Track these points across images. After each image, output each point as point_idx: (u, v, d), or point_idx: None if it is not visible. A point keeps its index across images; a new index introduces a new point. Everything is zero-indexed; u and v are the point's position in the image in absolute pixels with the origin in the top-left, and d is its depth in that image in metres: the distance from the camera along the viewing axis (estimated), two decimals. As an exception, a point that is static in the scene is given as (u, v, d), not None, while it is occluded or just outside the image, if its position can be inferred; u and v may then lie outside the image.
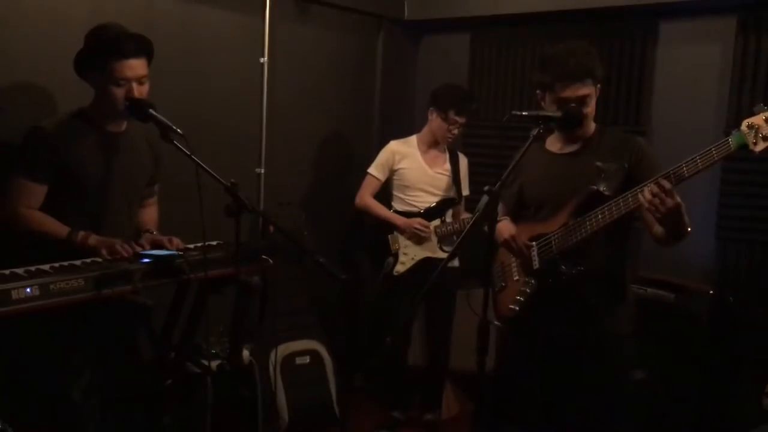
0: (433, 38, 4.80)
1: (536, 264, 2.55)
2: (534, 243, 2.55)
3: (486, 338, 2.38)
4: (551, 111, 2.40)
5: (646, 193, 2.17)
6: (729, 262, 3.66)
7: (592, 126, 2.53)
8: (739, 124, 2.12)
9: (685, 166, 2.15)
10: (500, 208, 2.87)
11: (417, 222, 3.77)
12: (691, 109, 3.76)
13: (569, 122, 2.39)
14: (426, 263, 3.82)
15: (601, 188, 2.37)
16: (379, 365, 4.21)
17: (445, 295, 3.85)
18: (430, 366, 4.06)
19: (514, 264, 2.68)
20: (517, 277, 2.66)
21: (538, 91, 2.52)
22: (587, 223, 2.38)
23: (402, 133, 4.03)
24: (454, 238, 3.86)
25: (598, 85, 2.47)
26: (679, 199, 2.16)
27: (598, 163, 2.40)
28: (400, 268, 3.83)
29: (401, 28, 4.67)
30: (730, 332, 3.36)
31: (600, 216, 2.35)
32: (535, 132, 2.30)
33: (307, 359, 3.83)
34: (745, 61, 3.57)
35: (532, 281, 2.56)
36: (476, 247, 2.39)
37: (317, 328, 3.96)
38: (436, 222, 3.82)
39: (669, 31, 3.84)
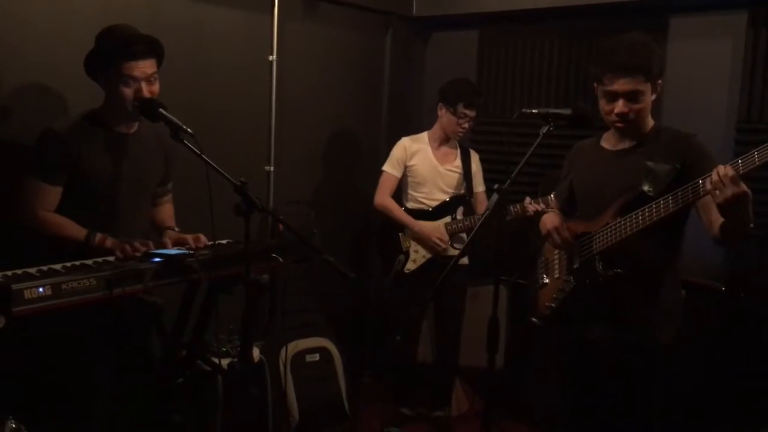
0: (442, 35, 4.79)
1: (576, 262, 2.53)
2: (577, 240, 2.53)
3: (496, 336, 2.38)
4: (562, 109, 2.36)
5: (713, 174, 2.06)
6: (740, 260, 3.64)
7: (648, 123, 2.45)
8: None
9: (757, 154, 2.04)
10: (552, 202, 2.87)
11: (435, 236, 3.76)
12: (702, 104, 3.73)
13: (579, 121, 2.35)
14: (437, 261, 3.81)
15: (646, 188, 2.30)
16: (389, 362, 4.22)
17: (454, 292, 3.85)
18: (440, 363, 4.06)
19: (556, 261, 2.66)
20: (557, 275, 2.63)
21: (594, 83, 2.44)
22: (628, 224, 2.32)
23: (410, 130, 4.02)
24: (464, 235, 3.86)
25: (658, 82, 2.36)
26: (746, 188, 2.06)
27: (649, 163, 2.34)
28: (410, 266, 3.83)
29: (409, 24, 4.66)
30: (741, 329, 3.34)
31: (641, 217, 2.29)
32: (544, 130, 2.28)
33: (317, 357, 3.83)
34: (756, 56, 3.54)
35: (572, 280, 2.54)
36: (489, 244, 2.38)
37: (327, 326, 3.97)
38: (447, 219, 3.82)
39: (679, 27, 3.82)
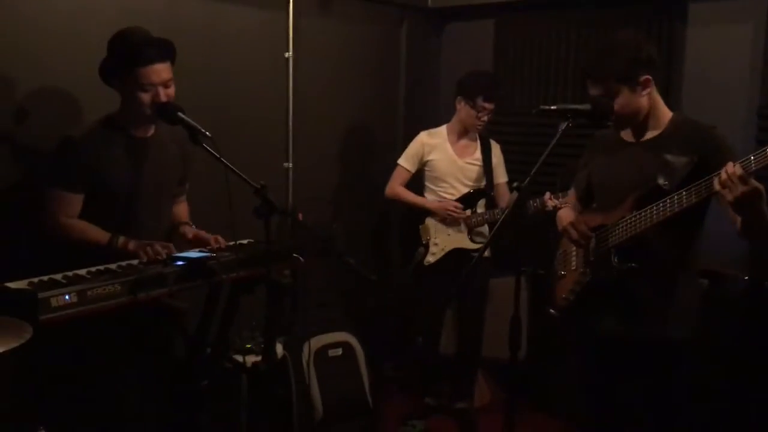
0: (457, 25, 4.76)
1: (592, 256, 2.52)
2: (593, 234, 2.52)
3: (518, 333, 2.38)
4: (580, 104, 2.34)
5: (722, 174, 2.04)
6: (764, 248, 3.59)
7: (660, 116, 2.42)
8: None
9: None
10: (570, 192, 2.87)
11: (451, 204, 3.76)
12: (722, 90, 3.68)
13: (598, 116, 2.33)
14: (456, 254, 3.82)
15: (661, 182, 2.28)
16: (411, 355, 4.24)
17: (476, 284, 3.85)
18: (462, 355, 4.07)
19: (574, 253, 2.65)
20: (575, 267, 2.63)
21: None
22: (644, 217, 2.31)
23: (427, 123, 4.01)
24: (485, 228, 3.86)
25: (641, 79, 2.33)
26: (757, 184, 2.02)
27: (667, 156, 2.31)
28: (430, 259, 3.84)
29: (424, 16, 4.64)
30: (766, 318, 3.31)
31: (657, 211, 2.26)
32: (563, 127, 2.25)
33: (339, 351, 3.85)
34: (777, 41, 3.49)
35: (588, 272, 2.54)
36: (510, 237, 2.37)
37: (348, 319, 3.99)
38: (467, 213, 3.81)
39: (698, 12, 3.76)
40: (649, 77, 2.36)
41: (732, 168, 2.02)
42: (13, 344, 1.71)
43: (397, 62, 4.56)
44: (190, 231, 2.70)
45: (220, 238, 2.67)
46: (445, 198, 3.83)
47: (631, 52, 2.35)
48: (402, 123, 4.58)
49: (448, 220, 3.79)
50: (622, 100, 2.35)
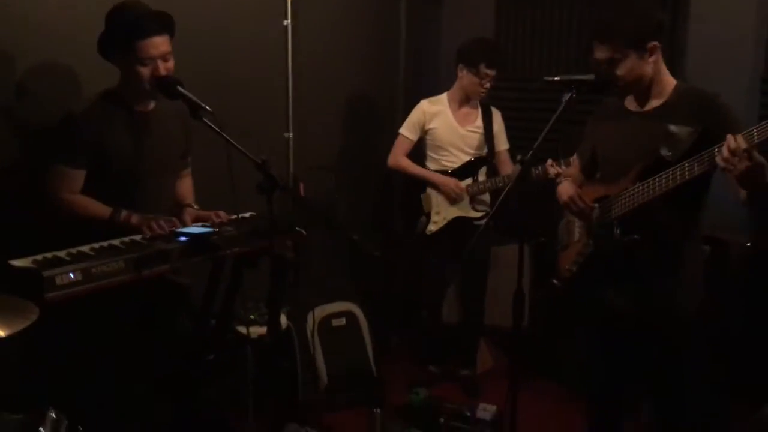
0: (458, -9, 4.70)
1: (595, 227, 2.51)
2: (596, 205, 2.51)
3: (521, 306, 2.39)
4: (584, 74, 2.31)
5: (724, 150, 2.01)
6: (766, 213, 3.59)
7: (663, 84, 2.39)
8: None
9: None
10: (574, 161, 2.85)
11: (453, 182, 3.75)
12: (727, 55, 3.64)
13: (602, 86, 2.31)
14: (458, 222, 3.82)
15: (664, 153, 2.26)
16: (415, 323, 4.27)
17: (478, 253, 3.86)
18: (465, 322, 4.10)
19: (577, 224, 2.65)
20: (578, 238, 2.63)
21: None
22: (647, 189, 2.29)
23: (428, 90, 3.97)
24: (486, 197, 3.86)
25: (649, 45, 2.30)
26: (761, 159, 2.01)
27: (671, 126, 2.28)
28: (432, 228, 3.84)
29: (425, -20, 4.58)
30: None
31: (660, 183, 2.25)
32: (567, 97, 2.24)
33: (343, 321, 3.88)
34: (783, 4, 3.45)
35: (591, 243, 2.53)
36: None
37: (351, 289, 4.01)
38: (468, 181, 3.81)
39: (703, -25, 3.71)
40: (657, 44, 2.33)
41: (734, 142, 1.99)
42: (20, 325, 1.71)
43: (397, 29, 4.50)
44: (190, 215, 2.69)
45: (221, 213, 2.66)
46: (447, 166, 3.82)
47: (642, 17, 2.32)
48: (402, 91, 4.54)
49: (449, 197, 3.77)
50: (628, 65, 2.31)
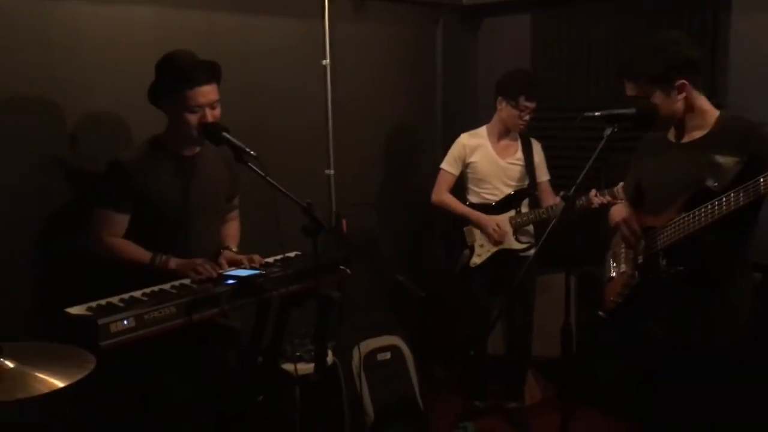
0: (493, 22, 4.72)
1: (640, 258, 2.50)
2: (643, 233, 2.50)
3: (570, 340, 2.38)
4: (625, 109, 2.31)
5: None
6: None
7: (709, 115, 2.38)
8: None
9: None
10: (619, 193, 2.84)
11: (494, 225, 3.74)
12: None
13: (643, 120, 2.30)
14: (502, 254, 3.81)
15: (709, 183, 2.24)
16: (460, 356, 4.24)
17: (524, 283, 3.83)
18: (511, 354, 4.06)
19: (623, 255, 2.63)
20: (624, 269, 2.61)
21: None
22: (693, 220, 2.27)
23: (466, 122, 3.99)
24: (530, 228, 3.85)
25: (677, 83, 2.29)
26: None
27: (716, 156, 2.27)
28: (476, 260, 3.83)
29: (459, 14, 4.62)
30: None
31: (706, 213, 2.23)
32: (608, 132, 2.23)
33: (388, 355, 3.87)
34: (827, 25, 3.39)
35: (636, 275, 2.51)
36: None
37: (395, 322, 4.01)
38: (511, 213, 3.79)
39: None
40: (685, 82, 2.32)
41: None
42: (78, 375, 1.76)
43: (433, 62, 4.54)
44: (226, 258, 2.74)
45: (255, 257, 2.70)
46: (488, 199, 3.82)
47: (666, 55, 2.31)
48: (441, 123, 4.57)
49: (494, 237, 3.76)
50: (657, 101, 2.32)
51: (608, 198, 3.31)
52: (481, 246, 3.82)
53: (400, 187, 4.35)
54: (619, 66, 2.42)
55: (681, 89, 2.32)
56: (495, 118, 3.84)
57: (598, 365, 3.95)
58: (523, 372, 4.08)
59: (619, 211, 2.61)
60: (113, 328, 2.09)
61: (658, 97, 2.32)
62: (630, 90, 2.36)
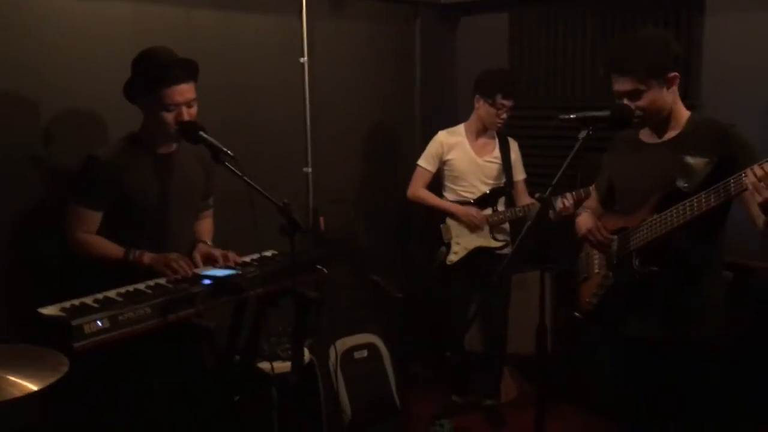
0: (471, 20, 4.72)
1: (614, 259, 2.52)
2: (615, 237, 2.52)
3: (545, 341, 2.40)
4: (600, 111, 2.32)
5: (750, 176, 2.02)
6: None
7: (679, 116, 2.41)
8: None
9: None
10: (592, 194, 2.87)
11: (474, 210, 3.77)
12: (743, 79, 3.63)
13: (618, 122, 2.32)
14: (478, 252, 3.83)
15: (680, 184, 2.27)
16: (437, 353, 4.26)
17: (499, 281, 3.85)
18: (488, 352, 4.09)
19: (596, 256, 2.66)
20: (597, 270, 2.63)
21: None
22: (665, 221, 2.30)
23: (445, 119, 4.00)
24: (506, 226, 3.87)
25: (668, 76, 2.33)
26: None
27: (687, 157, 2.29)
28: (453, 258, 3.85)
29: (437, 12, 4.62)
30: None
31: (678, 214, 2.26)
32: (583, 135, 2.25)
33: (365, 353, 3.89)
34: (798, 28, 3.44)
35: (611, 275, 2.54)
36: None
37: (371, 320, 4.02)
38: (488, 211, 3.82)
39: (716, 0, 3.71)
40: (677, 74, 2.36)
41: (761, 169, 1.99)
42: (51, 378, 1.74)
43: (411, 60, 4.54)
44: (200, 251, 2.72)
45: (230, 254, 2.69)
46: (465, 197, 3.84)
47: (661, 47, 2.35)
48: (419, 122, 4.57)
49: (471, 226, 3.78)
50: (651, 95, 2.34)
51: (570, 201, 3.22)
52: (458, 244, 3.84)
53: (379, 185, 4.35)
54: (611, 61, 2.39)
55: (673, 81, 2.35)
56: (473, 116, 3.86)
57: (575, 364, 3.99)
58: (499, 369, 4.11)
59: (585, 222, 2.62)
60: (87, 329, 2.07)
61: (654, 91, 2.33)
62: (624, 84, 2.34)
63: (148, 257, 2.54)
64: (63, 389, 1.81)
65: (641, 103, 2.34)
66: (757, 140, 2.36)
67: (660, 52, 2.34)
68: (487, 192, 3.82)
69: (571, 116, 2.30)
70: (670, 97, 2.37)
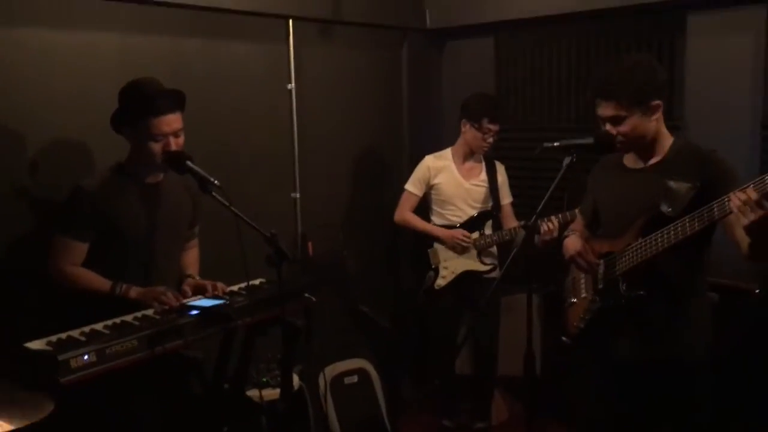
0: (457, 44, 4.76)
1: (600, 283, 2.54)
2: (601, 261, 2.54)
3: (533, 367, 2.40)
4: (583, 138, 2.35)
5: (734, 200, 2.02)
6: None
7: (663, 141, 2.43)
8: None
9: None
10: (578, 217, 2.88)
11: (459, 233, 3.78)
12: (725, 102, 3.67)
13: (601, 148, 2.35)
14: (466, 276, 3.84)
15: (664, 209, 2.29)
16: (428, 377, 4.25)
17: (488, 304, 3.86)
18: (477, 375, 4.09)
19: (582, 280, 2.67)
20: (584, 294, 2.64)
21: None
22: (650, 245, 2.32)
23: (432, 143, 4.02)
24: (494, 249, 3.89)
25: (652, 104, 2.34)
26: None
27: (670, 182, 2.31)
28: (441, 282, 3.85)
29: (424, 37, 4.66)
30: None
31: (663, 238, 2.27)
32: (567, 162, 2.27)
33: (355, 378, 3.88)
34: (778, 51, 3.49)
35: (597, 300, 2.55)
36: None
37: (362, 344, 4.01)
38: (475, 235, 3.83)
39: (697, 24, 3.75)
40: (660, 103, 2.38)
41: (745, 194, 1.99)
42: (33, 418, 1.73)
43: (399, 85, 4.57)
44: (189, 285, 2.72)
45: (219, 285, 2.69)
46: (452, 221, 3.85)
47: (648, 75, 2.36)
48: (407, 146, 4.60)
49: (457, 248, 3.80)
50: (633, 122, 2.35)
51: (553, 224, 3.16)
52: (446, 268, 3.85)
53: (367, 209, 4.36)
54: (597, 86, 2.41)
55: (656, 110, 2.37)
56: (459, 140, 3.88)
57: (565, 385, 3.99)
58: (490, 392, 4.10)
59: (573, 244, 2.63)
60: (73, 363, 2.06)
61: (635, 118, 2.34)
62: (607, 110, 2.36)
63: (135, 291, 2.52)
64: (49, 423, 1.80)
65: (623, 128, 2.36)
66: (739, 162, 2.39)
67: (645, 81, 2.35)
68: (474, 215, 3.84)
69: (555, 144, 2.33)
70: (652, 124, 2.39)
